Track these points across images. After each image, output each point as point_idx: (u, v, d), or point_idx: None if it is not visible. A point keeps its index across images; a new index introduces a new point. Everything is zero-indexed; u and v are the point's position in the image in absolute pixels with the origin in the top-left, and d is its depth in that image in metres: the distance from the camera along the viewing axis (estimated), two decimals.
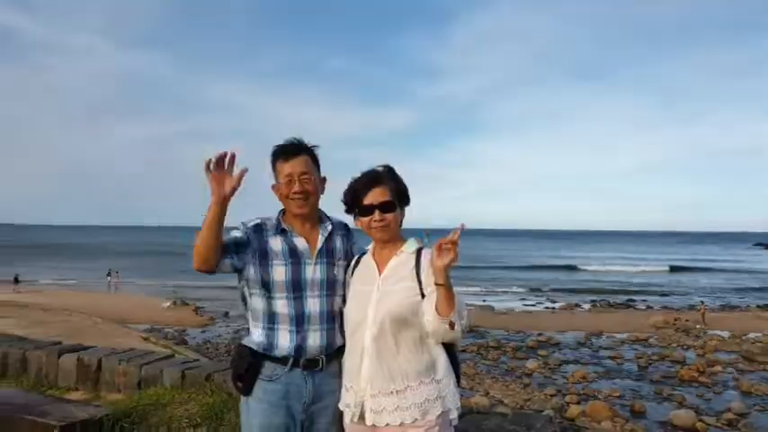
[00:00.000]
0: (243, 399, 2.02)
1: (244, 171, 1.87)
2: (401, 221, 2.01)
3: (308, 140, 2.09)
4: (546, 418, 2.63)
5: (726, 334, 16.09)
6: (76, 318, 16.65)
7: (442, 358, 1.87)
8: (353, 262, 2.07)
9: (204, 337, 16.73)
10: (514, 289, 32.80)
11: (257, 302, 1.99)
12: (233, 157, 1.83)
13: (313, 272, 2.00)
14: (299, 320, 1.97)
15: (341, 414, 1.97)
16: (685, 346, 14.63)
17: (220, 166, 1.80)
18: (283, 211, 2.07)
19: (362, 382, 1.87)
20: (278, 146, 2.01)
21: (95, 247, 76.41)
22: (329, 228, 2.07)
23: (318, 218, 2.09)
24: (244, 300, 2.05)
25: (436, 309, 1.79)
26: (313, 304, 1.99)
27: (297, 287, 1.97)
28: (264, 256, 1.96)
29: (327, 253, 2.04)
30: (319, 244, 2.03)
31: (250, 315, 2.04)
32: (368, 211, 1.95)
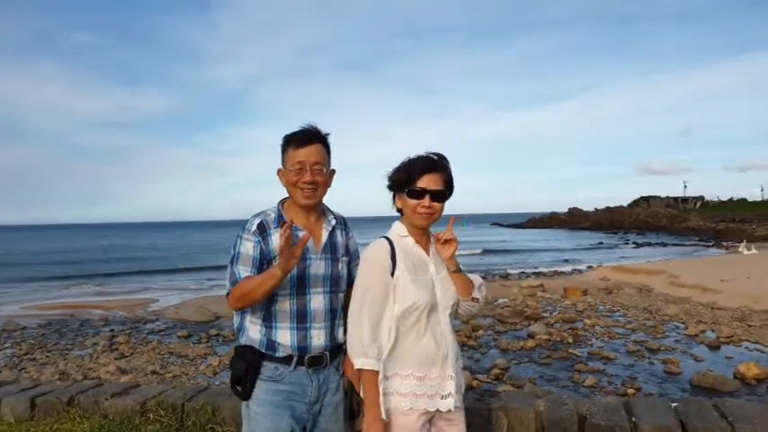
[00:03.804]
0: (243, 405, 1.89)
1: (306, 238, 1.79)
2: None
3: (322, 129, 1.98)
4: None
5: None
6: None
7: None
8: (389, 250, 1.92)
9: None
10: None
11: None
12: (291, 223, 1.77)
13: (317, 267, 1.92)
14: (302, 318, 1.89)
15: (348, 410, 1.97)
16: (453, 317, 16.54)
17: (289, 242, 1.71)
18: (283, 202, 1.97)
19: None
20: (292, 132, 1.91)
21: None
22: (333, 222, 2.01)
23: (322, 211, 2.01)
24: None
25: (458, 292, 1.96)
26: (317, 301, 1.91)
27: (301, 283, 1.88)
28: (269, 257, 1.86)
29: (331, 248, 1.97)
30: (324, 239, 1.95)
31: (249, 312, 1.90)
32: (419, 194, 1.90)
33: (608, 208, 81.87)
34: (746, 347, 10.47)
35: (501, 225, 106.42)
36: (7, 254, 53.37)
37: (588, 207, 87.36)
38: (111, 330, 14.65)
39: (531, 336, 12.06)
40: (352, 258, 2.11)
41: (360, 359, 1.87)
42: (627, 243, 50.56)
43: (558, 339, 11.57)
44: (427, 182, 1.92)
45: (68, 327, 15.90)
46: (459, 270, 1.98)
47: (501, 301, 17.67)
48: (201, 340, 12.82)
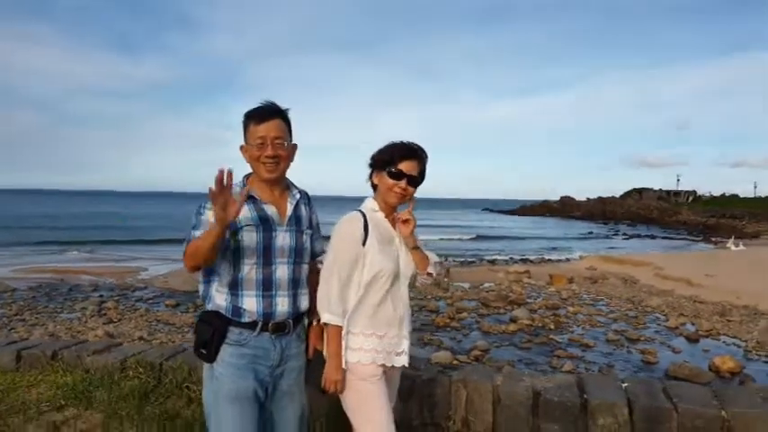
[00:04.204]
0: (206, 367, 1.99)
1: (245, 193, 1.80)
2: None
3: (281, 104, 2.04)
4: (425, 360, 3.15)
5: (467, 285, 18.69)
6: None
7: None
8: (362, 222, 2.12)
9: None
10: None
11: (223, 268, 1.96)
12: (230, 174, 1.71)
13: (283, 239, 2.02)
14: (267, 286, 1.99)
15: (312, 374, 2.15)
16: (438, 297, 16.62)
17: (223, 189, 1.70)
18: (248, 177, 2.05)
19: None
20: (252, 108, 1.98)
21: None
22: (297, 196, 2.10)
23: (287, 186, 2.11)
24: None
25: (417, 267, 2.19)
26: (282, 271, 2.02)
27: (267, 253, 1.97)
28: (235, 228, 1.92)
29: (296, 221, 2.08)
30: (289, 211, 2.05)
31: (215, 280, 1.99)
32: (398, 176, 2.12)
33: (600, 198, 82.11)
34: (724, 341, 10.68)
35: (492, 211, 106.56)
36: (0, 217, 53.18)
37: (580, 197, 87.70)
38: (101, 296, 14.75)
39: (513, 320, 12.23)
40: (315, 231, 2.22)
41: (326, 314, 2.09)
42: (617, 234, 50.84)
43: (539, 325, 11.76)
44: (406, 166, 2.13)
45: (58, 290, 15.98)
46: (417, 247, 2.19)
47: (486, 285, 17.90)
48: (189, 310, 12.95)
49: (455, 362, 10.41)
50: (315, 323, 2.26)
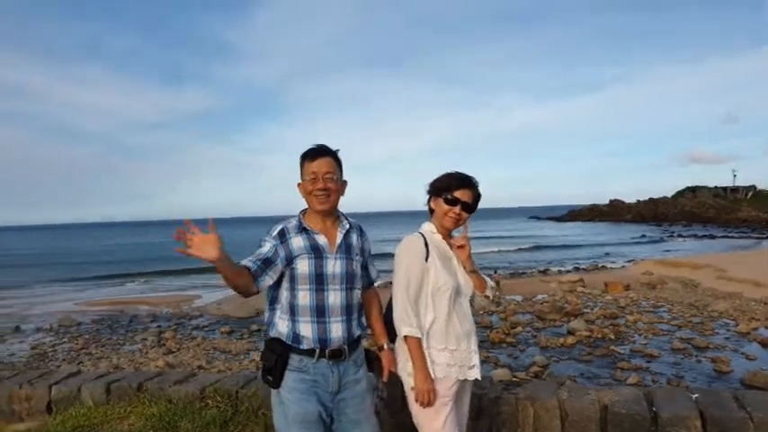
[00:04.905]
0: (273, 392, 2.10)
1: (215, 231, 1.85)
2: None
3: (332, 145, 2.23)
4: (488, 378, 3.17)
5: (519, 298, 18.30)
6: None
7: None
8: (423, 242, 2.28)
9: None
10: None
11: (283, 296, 2.11)
12: (188, 222, 1.86)
13: (333, 266, 2.14)
14: (321, 312, 2.10)
15: (379, 400, 2.26)
16: (490, 312, 16.36)
17: (195, 237, 1.82)
18: (304, 212, 2.21)
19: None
20: (307, 149, 2.17)
21: None
22: (347, 226, 2.25)
23: (337, 216, 2.25)
24: (271, 292, 2.14)
25: (475, 288, 2.33)
26: (334, 297, 2.13)
27: (319, 280, 2.10)
28: (290, 258, 2.09)
29: (346, 249, 2.21)
30: (338, 240, 2.19)
31: (279, 308, 2.13)
32: (454, 202, 2.31)
33: (651, 199, 79.48)
34: None
35: (540, 219, 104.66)
36: (61, 253, 55.69)
37: (630, 199, 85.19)
38: (159, 326, 15.19)
39: (570, 332, 11.88)
40: (368, 257, 2.37)
41: (406, 328, 2.21)
42: (672, 236, 49.12)
43: (599, 336, 11.39)
44: (461, 194, 2.32)
45: (119, 322, 16.56)
46: (474, 271, 2.36)
47: (539, 296, 17.50)
48: (243, 336, 13.17)
49: (514, 379, 10.19)
50: (385, 347, 2.33)
